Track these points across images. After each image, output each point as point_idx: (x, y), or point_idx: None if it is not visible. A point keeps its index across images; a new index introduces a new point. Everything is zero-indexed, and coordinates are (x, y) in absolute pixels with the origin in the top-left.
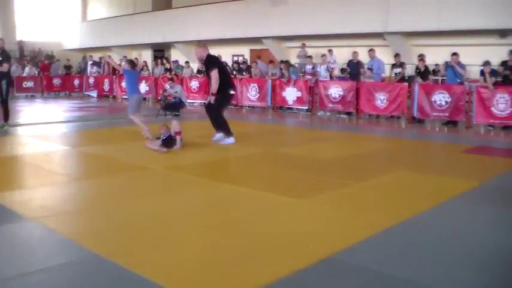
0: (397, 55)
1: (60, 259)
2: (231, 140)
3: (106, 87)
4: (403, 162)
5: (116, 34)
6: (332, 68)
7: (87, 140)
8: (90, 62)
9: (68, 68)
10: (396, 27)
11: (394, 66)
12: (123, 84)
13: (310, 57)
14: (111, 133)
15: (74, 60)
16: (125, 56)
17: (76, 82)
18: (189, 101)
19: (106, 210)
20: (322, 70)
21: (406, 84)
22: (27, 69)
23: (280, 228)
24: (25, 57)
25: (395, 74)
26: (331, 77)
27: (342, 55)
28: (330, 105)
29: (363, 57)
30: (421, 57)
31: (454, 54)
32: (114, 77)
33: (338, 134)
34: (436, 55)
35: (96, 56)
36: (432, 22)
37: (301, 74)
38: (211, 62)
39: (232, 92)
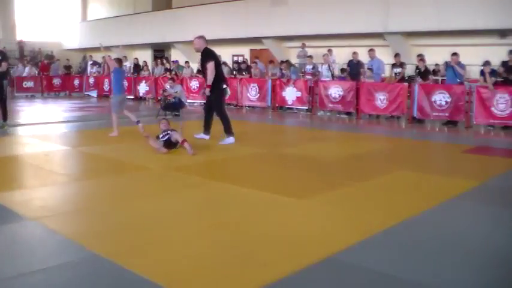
0: (397, 55)
1: (60, 259)
2: (230, 139)
3: (106, 87)
4: (403, 162)
5: (116, 34)
6: (333, 68)
7: (87, 140)
8: (90, 62)
9: (67, 68)
10: (396, 27)
11: (394, 66)
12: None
13: (310, 57)
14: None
15: (74, 60)
16: (109, 55)
17: (76, 82)
18: (189, 101)
19: (106, 210)
20: (324, 70)
21: (406, 84)
22: (27, 69)
23: (280, 228)
24: (25, 57)
25: (395, 74)
26: (333, 77)
27: (342, 55)
28: (330, 105)
29: (363, 57)
30: (421, 57)
31: (454, 54)
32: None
33: (338, 134)
34: (436, 55)
35: (96, 56)
36: (432, 22)
37: (301, 74)
38: (208, 55)
39: (225, 86)
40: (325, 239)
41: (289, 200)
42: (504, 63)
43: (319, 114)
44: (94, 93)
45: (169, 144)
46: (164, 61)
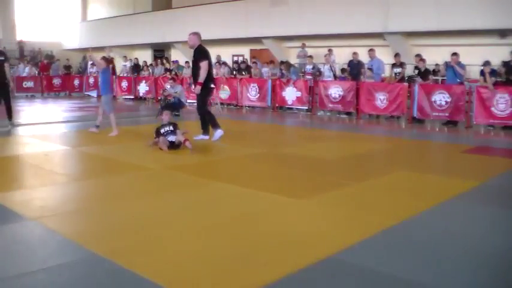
0: (397, 55)
1: (60, 259)
2: (219, 132)
3: None
4: (403, 162)
5: (115, 34)
6: (335, 68)
7: (87, 140)
8: (90, 62)
9: (67, 68)
10: (396, 27)
11: (394, 66)
12: (123, 84)
13: (310, 57)
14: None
15: (74, 60)
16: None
17: (76, 82)
18: (188, 101)
19: (106, 210)
20: (325, 70)
21: (406, 84)
22: (27, 69)
23: (280, 228)
24: (25, 57)
25: (395, 74)
26: (335, 77)
27: (342, 55)
28: (330, 105)
29: (363, 57)
30: (419, 57)
31: (454, 54)
32: (114, 77)
33: (338, 134)
34: (436, 55)
35: (96, 56)
36: (432, 22)
37: (301, 74)
38: (203, 53)
39: (212, 86)
40: (325, 239)
41: (289, 200)
42: (506, 63)
43: (319, 114)
44: (94, 93)
45: (173, 146)
46: (164, 61)
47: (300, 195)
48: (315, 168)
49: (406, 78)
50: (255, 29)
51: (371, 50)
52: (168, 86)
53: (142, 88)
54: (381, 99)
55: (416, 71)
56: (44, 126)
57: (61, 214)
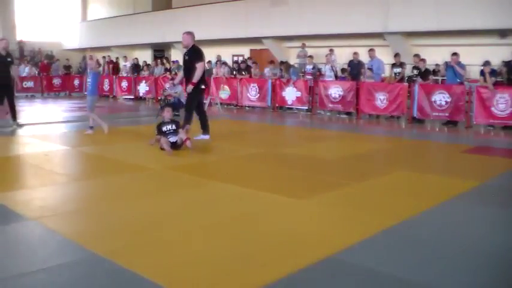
0: (397, 55)
1: (60, 259)
2: (206, 137)
3: (106, 87)
4: (403, 162)
5: (115, 34)
6: (335, 68)
7: (87, 140)
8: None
9: (67, 68)
10: (396, 27)
11: (394, 66)
12: (123, 84)
13: (310, 57)
14: (110, 133)
15: (74, 60)
16: (91, 55)
17: (76, 82)
18: None
19: (106, 210)
20: (327, 70)
21: (406, 84)
22: (27, 69)
23: (280, 228)
24: (25, 57)
25: (395, 74)
26: (336, 77)
27: (342, 55)
28: (330, 105)
29: (363, 57)
30: (418, 57)
31: (454, 54)
32: (114, 77)
33: (338, 134)
34: (436, 55)
35: (97, 57)
36: (432, 22)
37: (301, 74)
38: (199, 54)
39: (203, 87)
40: (325, 239)
41: (289, 200)
42: (507, 63)
43: (319, 114)
44: None
45: (175, 146)
46: (164, 61)
47: (300, 195)
48: (315, 168)
49: (406, 78)
50: (255, 29)
51: (371, 50)
52: (168, 86)
53: (142, 88)
54: (381, 99)
55: (416, 71)
56: (44, 126)
57: (61, 214)
